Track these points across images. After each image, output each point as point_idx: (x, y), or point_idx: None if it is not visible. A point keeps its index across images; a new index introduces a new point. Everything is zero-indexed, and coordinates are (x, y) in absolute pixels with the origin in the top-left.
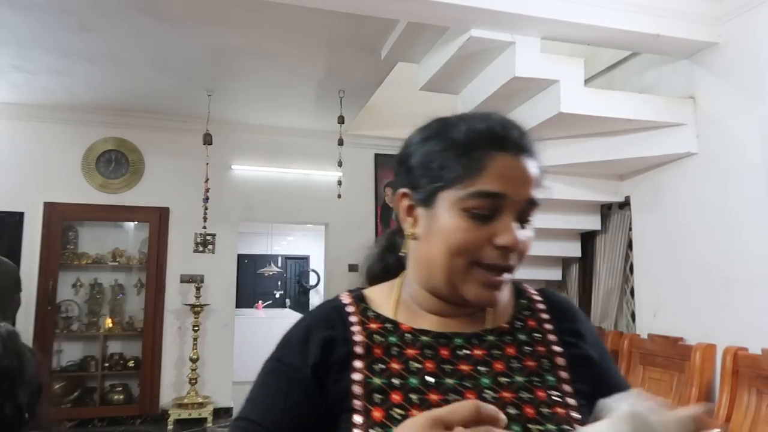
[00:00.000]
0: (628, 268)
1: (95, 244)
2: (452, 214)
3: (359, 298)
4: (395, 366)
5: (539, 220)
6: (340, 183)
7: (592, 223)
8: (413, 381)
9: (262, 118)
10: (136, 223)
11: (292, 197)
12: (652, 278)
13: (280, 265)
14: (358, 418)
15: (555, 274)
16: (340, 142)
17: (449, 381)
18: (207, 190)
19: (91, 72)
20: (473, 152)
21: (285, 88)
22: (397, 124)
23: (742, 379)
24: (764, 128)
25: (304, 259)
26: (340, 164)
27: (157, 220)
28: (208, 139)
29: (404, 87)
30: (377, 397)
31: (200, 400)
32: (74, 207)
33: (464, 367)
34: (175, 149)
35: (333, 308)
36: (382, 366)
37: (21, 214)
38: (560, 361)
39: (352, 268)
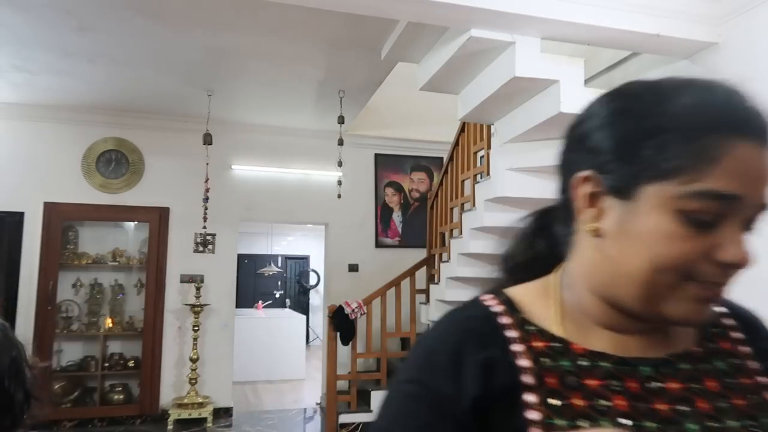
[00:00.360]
0: None
1: (95, 244)
2: (662, 214)
3: (509, 305)
4: (578, 402)
5: None
6: (340, 183)
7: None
8: (606, 424)
9: (262, 118)
10: (136, 223)
11: (292, 197)
12: None
13: (280, 265)
14: None
15: None
16: (340, 142)
17: (649, 425)
18: (207, 190)
19: (92, 72)
20: (704, 137)
21: (285, 88)
22: (397, 124)
23: None
24: None
25: (304, 259)
26: (340, 164)
27: (157, 220)
28: (208, 139)
29: (404, 87)
30: None
31: (200, 400)
32: (74, 207)
33: (661, 407)
34: (175, 149)
35: (482, 318)
36: (561, 402)
37: (21, 214)
38: None
39: (352, 268)
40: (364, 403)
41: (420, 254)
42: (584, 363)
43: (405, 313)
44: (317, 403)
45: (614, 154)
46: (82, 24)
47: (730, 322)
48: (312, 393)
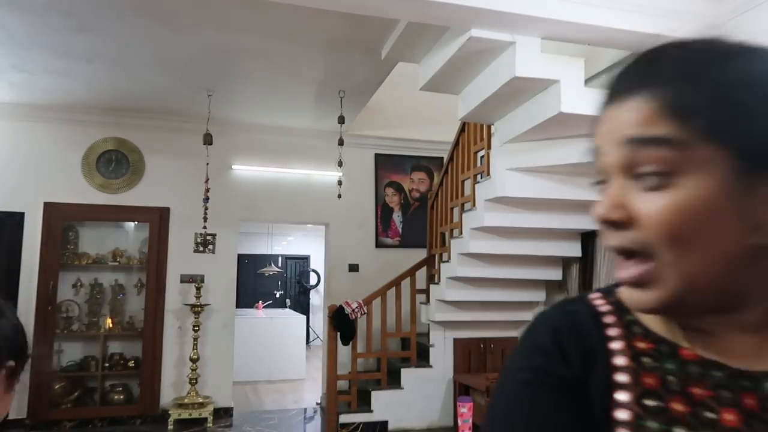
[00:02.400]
0: None
1: (95, 244)
2: None
3: (618, 305)
4: (678, 407)
5: (540, 220)
6: (340, 183)
7: (593, 223)
8: None
9: (262, 118)
10: (136, 223)
11: (292, 197)
12: None
13: (280, 265)
14: None
15: (555, 274)
16: (340, 142)
17: None
18: (207, 190)
19: (91, 72)
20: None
21: (285, 88)
22: (397, 124)
23: None
24: None
25: (304, 259)
26: (340, 164)
27: (158, 220)
28: (208, 139)
29: (404, 87)
30: None
31: (200, 400)
32: (74, 207)
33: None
34: (176, 149)
35: (585, 315)
36: (658, 404)
37: (21, 214)
38: None
39: (352, 268)
40: (364, 403)
41: (420, 254)
42: (693, 369)
43: (405, 313)
44: (317, 403)
45: None
46: (81, 24)
47: None
48: (312, 393)
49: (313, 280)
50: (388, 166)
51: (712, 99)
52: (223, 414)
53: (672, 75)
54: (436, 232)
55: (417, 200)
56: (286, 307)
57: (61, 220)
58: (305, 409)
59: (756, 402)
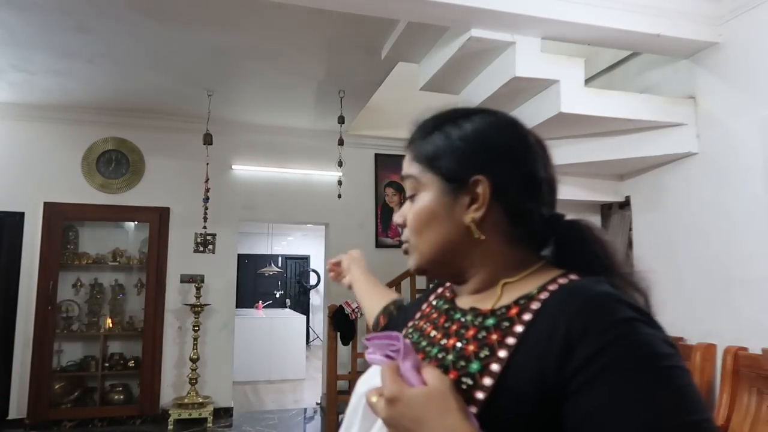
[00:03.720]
0: None
1: (95, 244)
2: None
3: None
4: (421, 324)
5: None
6: (340, 183)
7: (593, 223)
8: (415, 336)
9: (262, 118)
10: (136, 223)
11: (292, 197)
12: (652, 278)
13: (280, 265)
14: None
15: None
16: (340, 142)
17: (424, 343)
18: (207, 190)
19: (91, 72)
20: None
21: (285, 88)
22: (397, 124)
23: (743, 379)
24: (764, 128)
25: (304, 259)
26: (340, 164)
27: (158, 220)
28: (208, 139)
29: (404, 87)
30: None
31: (200, 400)
32: (74, 207)
33: (438, 336)
34: (176, 149)
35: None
36: (419, 322)
37: (21, 214)
38: (502, 354)
39: None
40: None
41: None
42: (444, 306)
43: None
44: (317, 403)
45: None
46: (81, 24)
47: (539, 300)
48: (312, 393)
49: (313, 280)
50: (388, 166)
51: (428, 149)
52: (223, 414)
53: (414, 137)
54: None
55: None
56: (286, 307)
57: (61, 220)
58: (305, 409)
59: (443, 321)
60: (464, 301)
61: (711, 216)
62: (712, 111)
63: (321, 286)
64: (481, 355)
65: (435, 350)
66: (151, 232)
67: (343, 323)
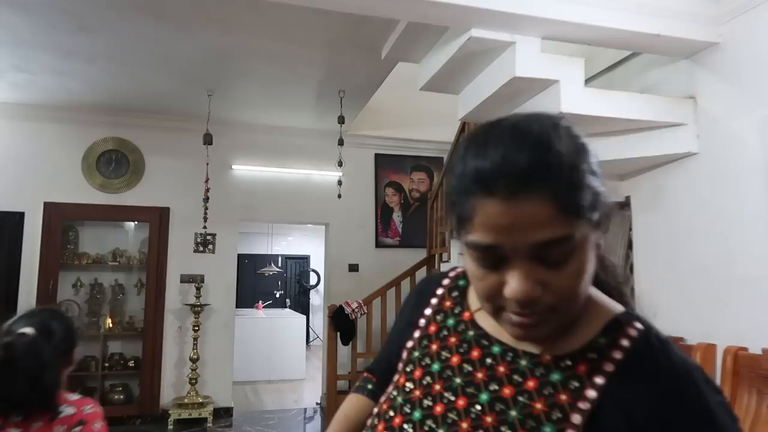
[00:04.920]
0: (628, 269)
1: (95, 244)
2: (468, 259)
3: (458, 277)
4: (433, 347)
5: None
6: (340, 183)
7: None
8: (435, 366)
9: (262, 118)
10: (136, 223)
11: (292, 197)
12: (653, 278)
13: (280, 265)
14: (394, 377)
15: None
16: (341, 142)
17: (457, 380)
18: (207, 190)
19: (92, 72)
20: (461, 200)
21: (285, 88)
22: (397, 124)
23: (743, 379)
24: (764, 128)
25: (304, 259)
26: (340, 164)
27: (158, 220)
28: (208, 139)
29: (404, 87)
30: (409, 366)
31: (200, 400)
32: (74, 207)
33: (479, 375)
34: (176, 149)
35: (431, 280)
36: (426, 342)
37: (21, 214)
38: (576, 420)
39: (352, 268)
40: None
41: (420, 254)
42: (462, 326)
43: None
44: (317, 403)
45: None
46: (82, 24)
47: (615, 357)
48: (312, 393)
49: (313, 280)
50: (388, 166)
51: (587, 197)
52: (223, 414)
53: (560, 180)
54: (436, 232)
55: (417, 200)
56: (286, 307)
57: (61, 220)
58: (305, 409)
59: (479, 354)
60: (498, 328)
61: (711, 216)
62: (712, 111)
63: (321, 286)
64: (554, 417)
65: (485, 396)
66: (151, 232)
67: (343, 323)
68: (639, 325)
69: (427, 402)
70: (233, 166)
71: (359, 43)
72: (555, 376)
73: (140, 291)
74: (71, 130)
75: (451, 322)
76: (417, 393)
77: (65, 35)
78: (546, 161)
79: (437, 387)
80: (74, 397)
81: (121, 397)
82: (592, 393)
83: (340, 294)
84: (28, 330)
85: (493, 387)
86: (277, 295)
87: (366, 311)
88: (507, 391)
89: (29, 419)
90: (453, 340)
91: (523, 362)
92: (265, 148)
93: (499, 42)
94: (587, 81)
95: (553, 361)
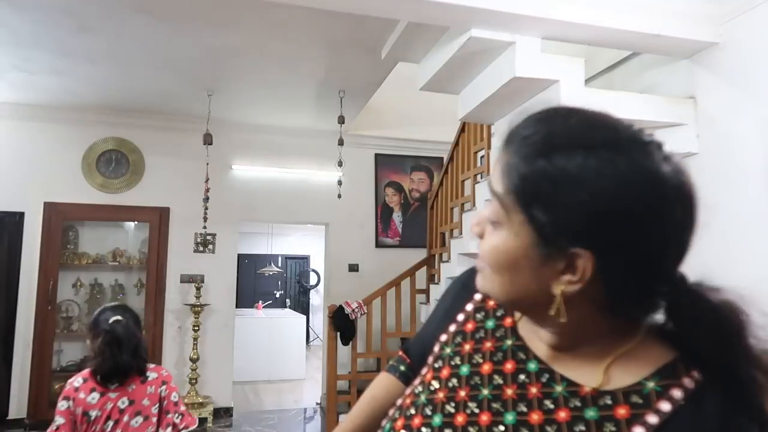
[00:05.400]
0: None
1: (95, 244)
2: None
3: None
4: (467, 347)
5: None
6: (340, 183)
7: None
8: (464, 370)
9: (262, 118)
10: (136, 223)
11: (292, 197)
12: None
13: (280, 265)
14: (423, 370)
15: None
16: (341, 142)
17: (485, 392)
18: (207, 190)
19: (91, 72)
20: None
21: (285, 88)
22: (397, 124)
23: None
24: (764, 128)
25: (304, 259)
26: (340, 164)
27: (158, 220)
28: (208, 139)
29: (404, 87)
30: (438, 363)
31: (200, 400)
32: (74, 207)
33: (509, 391)
34: (176, 149)
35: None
36: (460, 340)
37: (21, 214)
38: None
39: (352, 268)
40: None
41: (420, 254)
42: (500, 332)
43: (405, 313)
44: (317, 403)
45: None
46: (82, 24)
47: (660, 410)
48: (312, 393)
49: (313, 280)
50: (388, 166)
51: (526, 184)
52: (223, 414)
53: (516, 144)
54: (436, 232)
55: (417, 200)
56: (286, 307)
57: (61, 220)
58: (305, 409)
59: (513, 368)
60: (540, 346)
61: (711, 216)
62: (712, 111)
63: (321, 286)
64: None
65: (510, 417)
66: (151, 232)
67: (343, 323)
68: (697, 376)
69: (449, 408)
70: (233, 166)
71: (359, 43)
72: (590, 413)
73: (140, 291)
74: (71, 130)
75: (490, 324)
76: (441, 395)
77: (65, 35)
78: (518, 135)
79: (462, 393)
80: (152, 365)
81: None
82: None
83: (340, 294)
84: (119, 317)
85: (521, 409)
86: (277, 295)
87: (366, 311)
88: (535, 417)
89: (125, 384)
90: (488, 345)
91: (559, 388)
92: (265, 148)
93: (499, 42)
94: (587, 81)
95: (591, 395)
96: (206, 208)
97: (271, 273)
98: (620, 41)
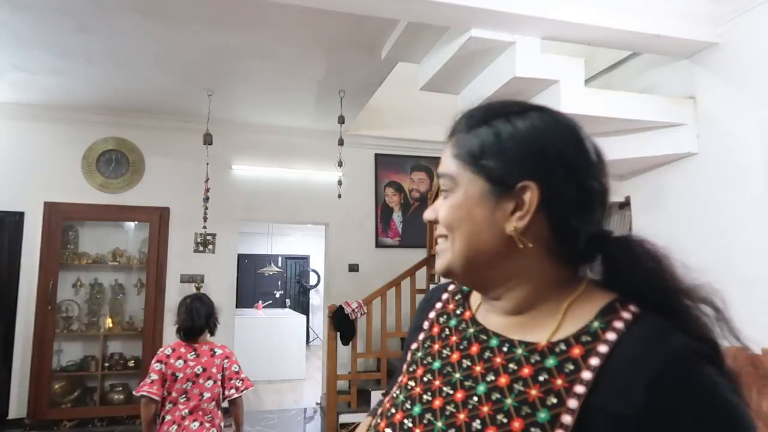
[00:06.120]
0: None
1: (95, 244)
2: None
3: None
4: (435, 347)
5: None
6: (340, 183)
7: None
8: (436, 364)
9: (262, 118)
10: (136, 223)
11: (292, 197)
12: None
13: (280, 265)
14: (398, 378)
15: None
16: (341, 142)
17: (456, 375)
18: (207, 190)
19: (91, 72)
20: None
21: (285, 88)
22: (397, 124)
23: (742, 380)
24: (764, 128)
25: (304, 259)
26: (340, 164)
27: (157, 220)
28: (208, 139)
29: (404, 87)
30: (412, 366)
31: None
32: (74, 207)
33: (477, 369)
34: (175, 149)
35: (438, 288)
36: (429, 343)
37: (21, 214)
38: (572, 404)
39: (352, 267)
40: (364, 403)
41: (420, 254)
42: (463, 325)
43: (405, 313)
44: (317, 403)
45: None
46: (81, 24)
47: (608, 339)
48: (312, 393)
49: (313, 280)
50: (388, 166)
51: (473, 144)
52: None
53: (456, 128)
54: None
55: (417, 200)
56: (285, 307)
57: (61, 220)
58: (305, 409)
59: (478, 350)
60: (498, 323)
61: (711, 216)
62: (711, 111)
63: (321, 286)
64: (548, 402)
65: (482, 388)
66: (151, 232)
67: (343, 323)
68: (634, 308)
69: (426, 397)
70: (233, 166)
71: (359, 43)
72: (550, 362)
73: (140, 291)
74: (71, 130)
75: (453, 322)
76: (417, 390)
77: (64, 35)
78: (461, 118)
79: (437, 383)
80: (219, 344)
81: (121, 397)
82: (587, 375)
83: (340, 294)
84: (197, 297)
85: (490, 378)
86: (277, 295)
87: (366, 311)
88: (503, 381)
89: (199, 355)
90: (454, 339)
91: (519, 351)
92: (265, 148)
93: (499, 42)
94: (587, 81)
95: (548, 347)
96: (206, 208)
97: (271, 273)
98: (620, 41)
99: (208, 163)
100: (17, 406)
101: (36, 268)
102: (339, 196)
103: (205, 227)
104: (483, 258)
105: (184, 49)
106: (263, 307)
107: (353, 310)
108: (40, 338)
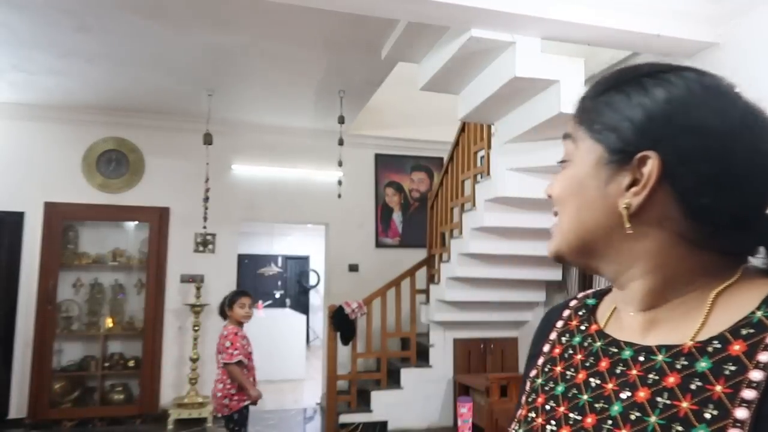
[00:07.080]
0: None
1: (95, 244)
2: None
3: (586, 297)
4: (557, 369)
5: (540, 220)
6: (340, 183)
7: None
8: (559, 389)
9: (262, 118)
10: (136, 223)
11: (292, 197)
12: None
13: (280, 265)
14: (517, 412)
15: (555, 274)
16: (341, 142)
17: (584, 397)
18: (207, 190)
19: (91, 72)
20: None
21: (285, 87)
22: (397, 124)
23: None
24: None
25: (304, 259)
26: (340, 164)
27: (157, 220)
28: (208, 139)
29: (404, 87)
30: (532, 396)
31: (200, 399)
32: (74, 207)
33: (609, 386)
34: (175, 149)
35: (559, 307)
36: (550, 366)
37: (21, 214)
38: (740, 415)
39: (352, 267)
40: (364, 403)
41: (420, 254)
42: (589, 340)
43: (405, 313)
44: (317, 403)
45: None
46: (81, 24)
47: None
48: (312, 393)
49: (313, 280)
50: (388, 166)
51: (596, 108)
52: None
53: (586, 94)
54: (436, 232)
55: (417, 200)
56: (285, 307)
57: (61, 220)
58: (305, 409)
59: (608, 365)
60: (631, 327)
61: None
62: None
63: (321, 286)
64: (706, 416)
65: (617, 408)
66: (151, 232)
67: (343, 323)
68: None
69: (550, 428)
70: (233, 166)
71: (359, 43)
72: (702, 365)
73: (140, 291)
74: (71, 130)
75: (577, 339)
76: (539, 421)
77: (64, 35)
78: (593, 84)
79: (561, 409)
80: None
81: (121, 397)
82: (758, 375)
83: (340, 294)
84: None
85: (626, 395)
86: (277, 295)
87: (366, 311)
88: (642, 395)
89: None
90: (579, 357)
91: (659, 357)
92: (265, 148)
93: (499, 42)
94: (587, 81)
95: (696, 348)
96: (206, 208)
97: (271, 273)
98: (620, 41)
99: (208, 163)
100: (17, 406)
101: (36, 268)
102: (339, 196)
103: (205, 227)
104: (594, 239)
105: (184, 49)
106: (263, 307)
107: (353, 310)
108: (40, 338)
